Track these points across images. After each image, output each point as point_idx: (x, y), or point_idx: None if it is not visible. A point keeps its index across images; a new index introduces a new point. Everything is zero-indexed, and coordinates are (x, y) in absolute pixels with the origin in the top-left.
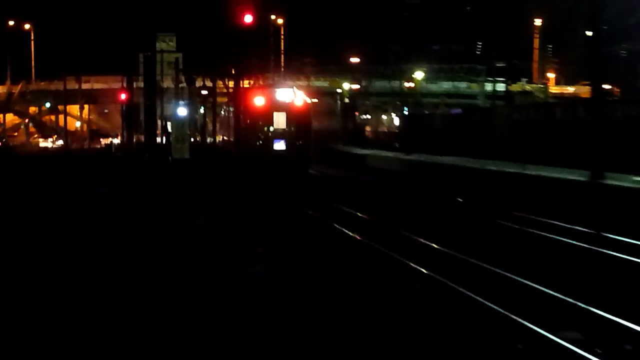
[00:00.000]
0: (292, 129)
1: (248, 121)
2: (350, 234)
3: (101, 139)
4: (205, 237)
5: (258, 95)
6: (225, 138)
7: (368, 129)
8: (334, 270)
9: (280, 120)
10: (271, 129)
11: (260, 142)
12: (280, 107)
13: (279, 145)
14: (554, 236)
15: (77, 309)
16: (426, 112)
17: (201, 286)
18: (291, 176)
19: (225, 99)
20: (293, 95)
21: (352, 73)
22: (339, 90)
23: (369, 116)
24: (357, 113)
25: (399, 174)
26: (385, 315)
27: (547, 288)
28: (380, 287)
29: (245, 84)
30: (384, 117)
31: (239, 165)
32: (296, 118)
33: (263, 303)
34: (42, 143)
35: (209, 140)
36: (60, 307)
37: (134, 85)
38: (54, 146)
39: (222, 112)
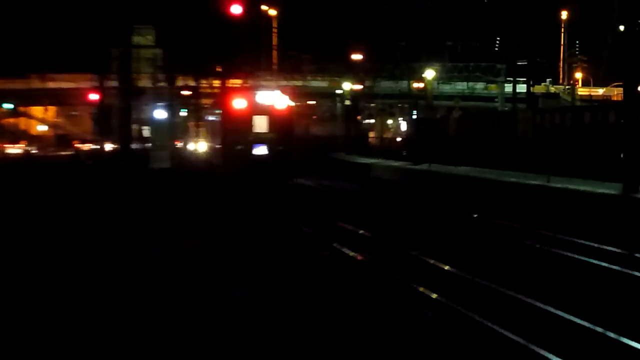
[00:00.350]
0: (274, 133)
1: (228, 125)
2: (351, 254)
3: (78, 145)
4: (188, 257)
5: (238, 97)
6: (210, 145)
7: (372, 135)
8: (334, 297)
9: (260, 124)
10: (251, 133)
11: (240, 147)
12: (261, 111)
13: (259, 150)
14: (582, 257)
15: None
16: (438, 116)
17: (182, 314)
18: (273, 184)
19: (210, 101)
20: (275, 98)
21: (354, 72)
22: (339, 91)
23: (373, 121)
24: (359, 117)
25: (407, 187)
26: (392, 351)
27: (577, 317)
28: (385, 316)
29: (233, 83)
30: (389, 121)
31: (222, 174)
32: (278, 122)
33: (254, 336)
34: (10, 149)
35: (192, 147)
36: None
37: (107, 85)
38: (16, 153)
39: (207, 116)
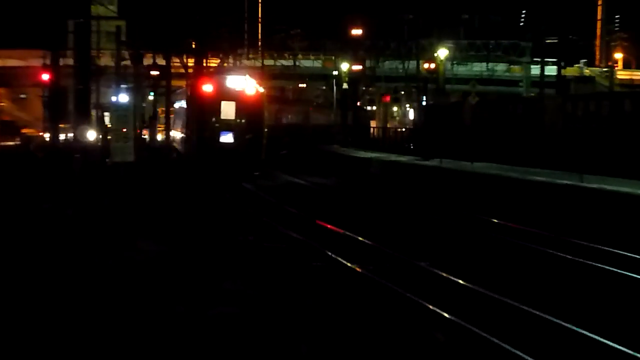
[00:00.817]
0: (242, 120)
1: (195, 111)
2: (349, 264)
3: (26, 133)
4: (152, 267)
5: (205, 82)
6: (182, 133)
7: (374, 124)
8: (328, 319)
9: (228, 111)
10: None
11: (207, 134)
12: (229, 96)
13: (226, 138)
14: (621, 271)
15: None
16: (452, 102)
17: (145, 339)
18: (240, 174)
19: (183, 83)
20: (244, 82)
21: (353, 50)
22: (335, 73)
23: (374, 108)
24: (359, 103)
25: (415, 186)
26: None
27: (616, 343)
28: (387, 337)
29: (211, 62)
30: (394, 109)
31: (189, 164)
32: (247, 109)
33: None
34: None
35: (160, 136)
36: None
37: (61, 63)
38: None
39: (178, 101)
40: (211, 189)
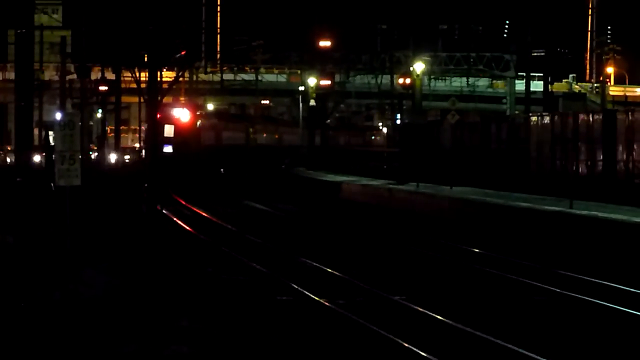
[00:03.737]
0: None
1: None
2: (316, 298)
3: None
4: (102, 302)
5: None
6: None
7: (344, 144)
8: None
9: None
10: None
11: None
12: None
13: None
14: (617, 307)
15: None
16: (429, 121)
17: None
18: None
19: (135, 99)
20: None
21: (321, 63)
22: (301, 88)
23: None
24: (328, 121)
25: (389, 213)
26: None
27: None
28: None
29: (166, 76)
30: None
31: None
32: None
33: None
34: None
35: (112, 157)
36: None
37: (0, 77)
38: None
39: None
40: (162, 214)
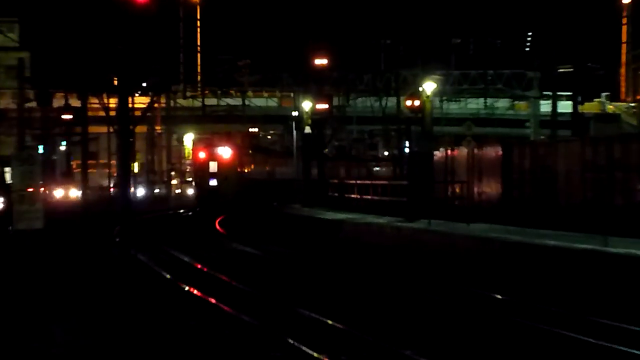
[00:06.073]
0: None
1: None
2: (315, 355)
3: None
4: None
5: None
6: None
7: (344, 176)
8: None
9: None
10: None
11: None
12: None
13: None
14: None
15: None
16: (441, 150)
17: None
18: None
19: (104, 128)
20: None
21: (317, 85)
22: (295, 114)
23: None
24: (326, 151)
25: (397, 254)
26: None
27: None
28: None
29: (139, 102)
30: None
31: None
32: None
33: None
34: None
35: (76, 194)
36: None
37: None
38: None
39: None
40: (137, 259)
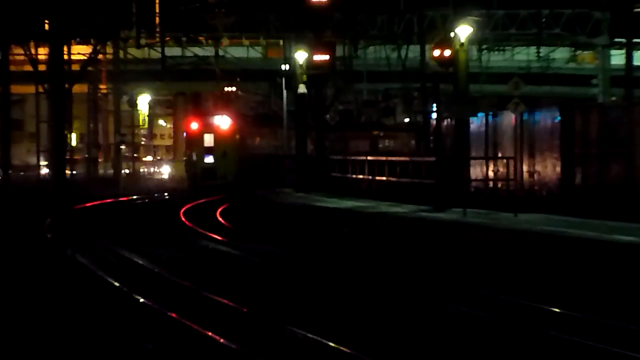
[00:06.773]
0: None
1: None
2: None
3: None
4: None
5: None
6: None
7: (351, 151)
8: None
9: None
10: None
11: None
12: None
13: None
14: None
15: None
16: (479, 116)
17: None
18: None
19: (31, 88)
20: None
21: (315, 29)
22: (285, 67)
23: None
24: (327, 117)
25: (421, 254)
26: None
27: None
28: None
29: (76, 53)
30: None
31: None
32: None
33: None
34: None
35: None
36: None
37: None
38: None
39: None
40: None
